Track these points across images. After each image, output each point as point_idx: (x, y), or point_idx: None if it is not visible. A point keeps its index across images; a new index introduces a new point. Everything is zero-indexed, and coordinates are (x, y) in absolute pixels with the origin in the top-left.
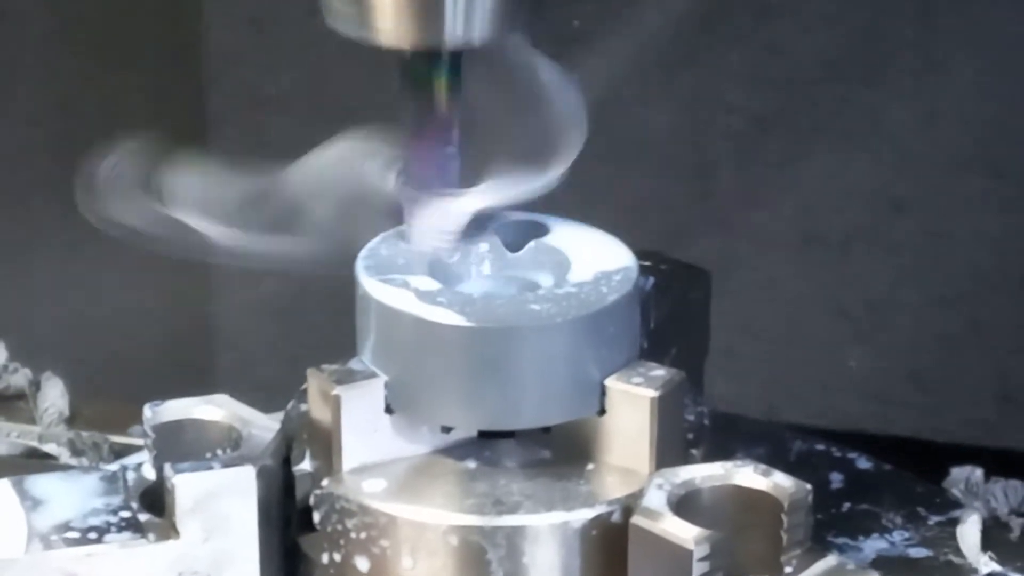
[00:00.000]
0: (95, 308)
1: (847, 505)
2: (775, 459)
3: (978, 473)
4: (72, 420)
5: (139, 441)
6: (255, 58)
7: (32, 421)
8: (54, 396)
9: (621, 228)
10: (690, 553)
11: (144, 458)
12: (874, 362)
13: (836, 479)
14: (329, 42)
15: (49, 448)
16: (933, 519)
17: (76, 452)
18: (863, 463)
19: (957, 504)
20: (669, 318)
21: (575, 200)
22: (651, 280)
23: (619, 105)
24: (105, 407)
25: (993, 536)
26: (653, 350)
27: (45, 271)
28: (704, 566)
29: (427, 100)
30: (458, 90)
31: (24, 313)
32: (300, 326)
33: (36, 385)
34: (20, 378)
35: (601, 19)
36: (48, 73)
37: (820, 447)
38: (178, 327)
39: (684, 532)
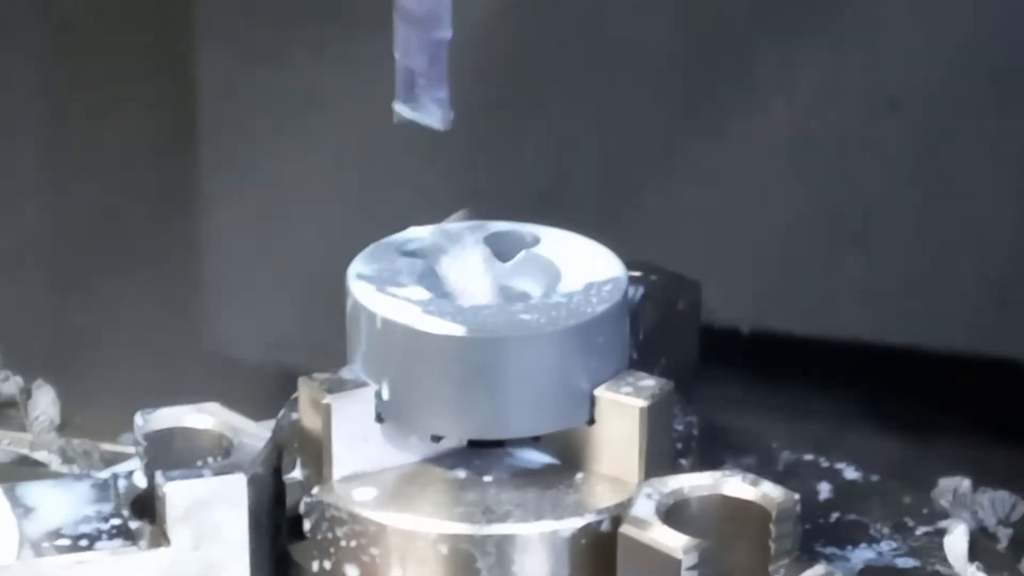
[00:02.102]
0: (86, 316)
1: (835, 515)
2: (763, 469)
3: (966, 484)
4: (63, 428)
5: (130, 449)
6: (247, 69)
7: (23, 428)
8: (45, 404)
9: (614, 142)
10: (678, 562)
11: (135, 466)
12: (869, 267)
13: (824, 489)
14: (322, 46)
15: (40, 455)
16: (921, 529)
17: (67, 460)
18: (851, 473)
19: (944, 514)
20: (658, 328)
21: (562, 108)
22: (640, 290)
23: (612, 8)
24: (96, 415)
25: (980, 546)
26: (642, 361)
27: (36, 279)
28: (692, 575)
29: None
30: None
31: (15, 321)
32: (291, 337)
33: (27, 393)
34: (11, 386)
35: None
36: (41, 82)
37: (808, 457)
38: (169, 336)
39: (672, 541)
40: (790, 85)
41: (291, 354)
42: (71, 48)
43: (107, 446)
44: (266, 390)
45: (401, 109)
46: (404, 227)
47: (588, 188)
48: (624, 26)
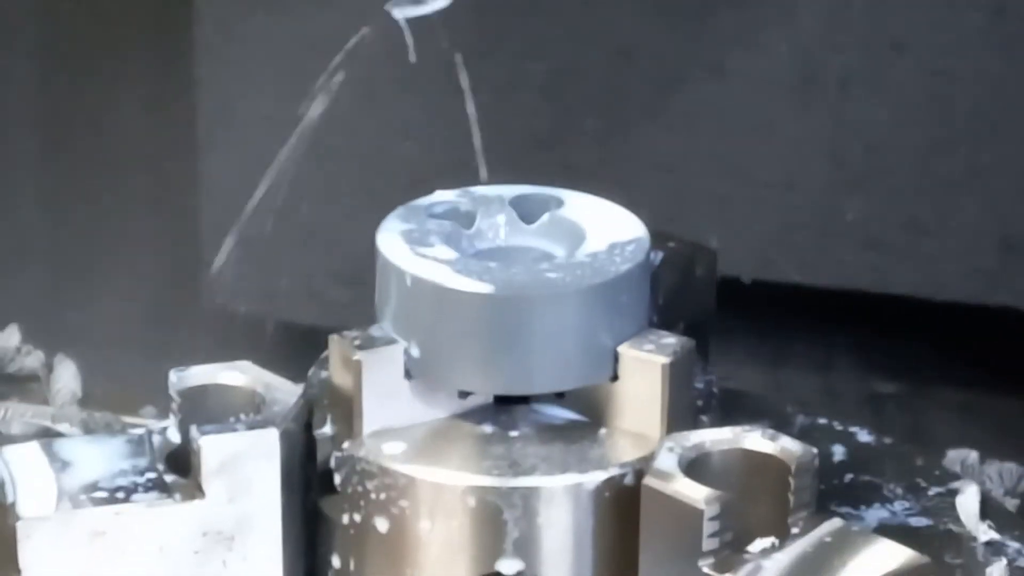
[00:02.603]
0: (104, 289)
1: (849, 476)
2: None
3: (973, 456)
4: (85, 401)
5: (151, 422)
6: (245, 64)
7: (45, 402)
8: (67, 377)
9: (613, 73)
10: (701, 513)
11: (169, 423)
12: (872, 209)
13: (838, 451)
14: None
15: (62, 428)
16: (933, 490)
17: (88, 432)
18: (864, 436)
19: (955, 476)
20: (676, 293)
21: (561, 48)
22: (660, 255)
23: None
24: (117, 388)
25: (991, 506)
26: (661, 324)
27: (53, 257)
28: (714, 526)
29: None
30: None
31: (37, 296)
32: (292, 291)
33: (49, 367)
34: (33, 360)
35: None
36: (39, 81)
37: (822, 421)
38: (181, 308)
39: (695, 493)
40: (792, 24)
41: (290, 308)
42: (68, 48)
43: (129, 419)
44: (268, 346)
45: (397, 8)
46: (402, 178)
47: (588, 130)
48: None
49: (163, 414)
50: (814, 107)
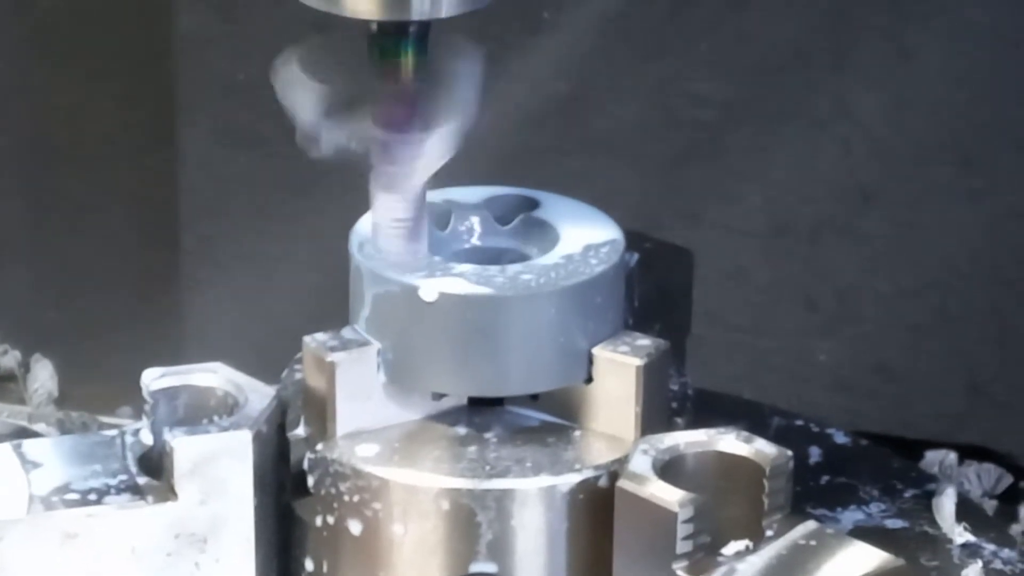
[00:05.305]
0: (81, 289)
1: (825, 478)
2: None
3: (952, 456)
4: (61, 401)
5: (127, 422)
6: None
7: (22, 401)
8: (43, 377)
9: None
10: (674, 515)
11: (142, 425)
12: (842, 353)
13: (814, 453)
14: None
15: (39, 428)
16: (909, 492)
17: (65, 432)
18: (840, 438)
19: (932, 478)
20: (652, 296)
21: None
22: (636, 256)
23: (587, 97)
24: (93, 388)
25: (967, 508)
26: (637, 326)
27: (32, 256)
28: (688, 528)
29: (393, 74)
30: (424, 64)
31: (14, 296)
32: (270, 308)
33: (26, 367)
34: (10, 360)
35: (570, 10)
36: (17, 77)
37: (799, 423)
38: (158, 310)
39: (669, 495)
40: (765, 175)
41: (269, 327)
42: (48, 46)
43: (105, 418)
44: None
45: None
46: None
47: None
48: (601, 113)
49: (140, 415)
50: (786, 255)
